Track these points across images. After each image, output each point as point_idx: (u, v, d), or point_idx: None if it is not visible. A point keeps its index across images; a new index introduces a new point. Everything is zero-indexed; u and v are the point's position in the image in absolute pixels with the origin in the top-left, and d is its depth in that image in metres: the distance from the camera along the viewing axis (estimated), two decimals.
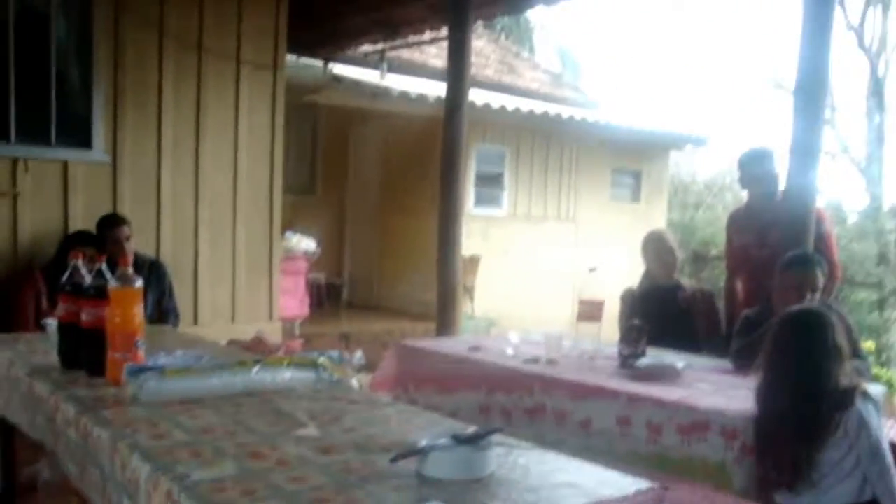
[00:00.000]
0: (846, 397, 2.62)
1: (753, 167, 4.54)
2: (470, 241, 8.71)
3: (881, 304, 16.71)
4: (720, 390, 3.17)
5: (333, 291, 10.64)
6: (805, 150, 4.26)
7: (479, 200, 10.59)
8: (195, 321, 6.07)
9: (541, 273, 10.70)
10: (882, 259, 17.08)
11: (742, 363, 3.55)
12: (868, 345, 13.74)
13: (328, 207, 11.03)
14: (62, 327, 2.47)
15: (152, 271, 5.22)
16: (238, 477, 1.55)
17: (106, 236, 4.90)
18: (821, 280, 3.58)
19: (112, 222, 5.04)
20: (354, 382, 2.41)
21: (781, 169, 4.47)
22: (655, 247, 4.76)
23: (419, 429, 1.89)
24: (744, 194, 4.80)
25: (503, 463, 1.68)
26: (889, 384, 10.41)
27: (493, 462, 1.64)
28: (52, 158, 5.47)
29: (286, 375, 2.28)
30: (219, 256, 6.27)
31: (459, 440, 1.66)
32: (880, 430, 2.66)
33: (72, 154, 5.55)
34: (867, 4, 18.21)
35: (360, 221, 11.21)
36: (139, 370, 2.12)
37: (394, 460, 1.61)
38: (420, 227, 9.43)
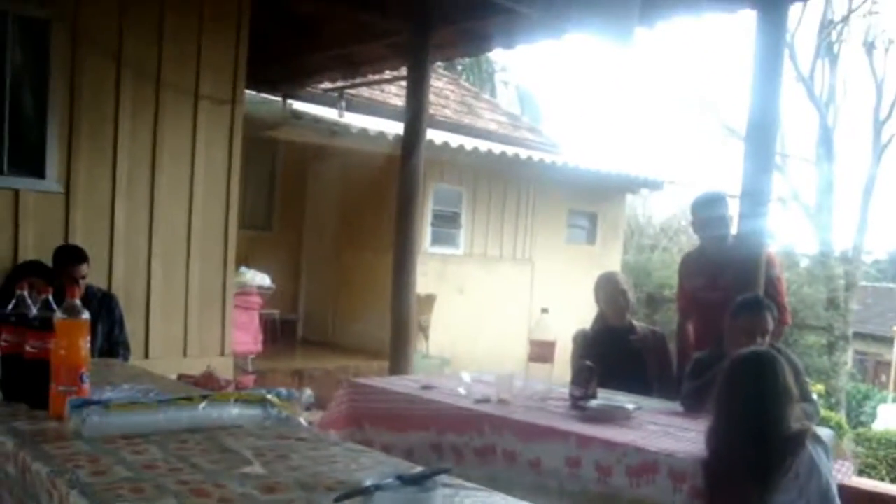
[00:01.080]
0: (797, 440, 2.64)
1: (706, 211, 4.59)
2: (425, 279, 8.71)
3: (830, 348, 16.98)
4: (670, 432, 3.18)
5: (288, 328, 10.57)
6: (756, 195, 4.34)
7: (436, 240, 10.62)
8: (146, 355, 5.98)
9: (496, 313, 10.73)
10: (831, 304, 17.39)
11: (693, 405, 3.58)
12: (818, 388, 13.94)
13: (284, 243, 10.99)
14: (4, 358, 2.41)
15: (103, 303, 5.15)
16: None
17: (62, 271, 4.82)
18: (771, 324, 3.62)
19: (73, 258, 4.94)
20: (303, 420, 2.39)
21: (733, 213, 4.54)
22: (608, 289, 4.79)
23: (365, 468, 1.88)
24: (697, 238, 4.85)
25: None
26: (838, 427, 10.55)
27: (440, 503, 1.63)
28: (3, 186, 5.40)
29: (233, 412, 2.24)
30: (172, 290, 6.20)
31: (405, 480, 1.65)
32: (830, 474, 2.69)
33: (23, 183, 5.49)
34: (816, 56, 18.67)
35: (316, 258, 11.17)
36: (83, 404, 2.08)
37: (338, 500, 1.59)
38: (376, 264, 9.42)
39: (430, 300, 9.74)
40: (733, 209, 4.56)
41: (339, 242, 10.79)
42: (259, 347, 8.23)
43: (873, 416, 16.37)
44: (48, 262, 4.96)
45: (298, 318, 11.18)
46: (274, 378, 7.52)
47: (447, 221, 10.83)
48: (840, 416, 13.42)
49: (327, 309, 10.92)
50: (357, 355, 9.67)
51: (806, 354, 15.55)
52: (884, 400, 18.25)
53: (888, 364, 21.61)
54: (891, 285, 26.75)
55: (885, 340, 21.87)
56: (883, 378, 21.78)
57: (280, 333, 10.05)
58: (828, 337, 17.24)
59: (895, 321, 21.76)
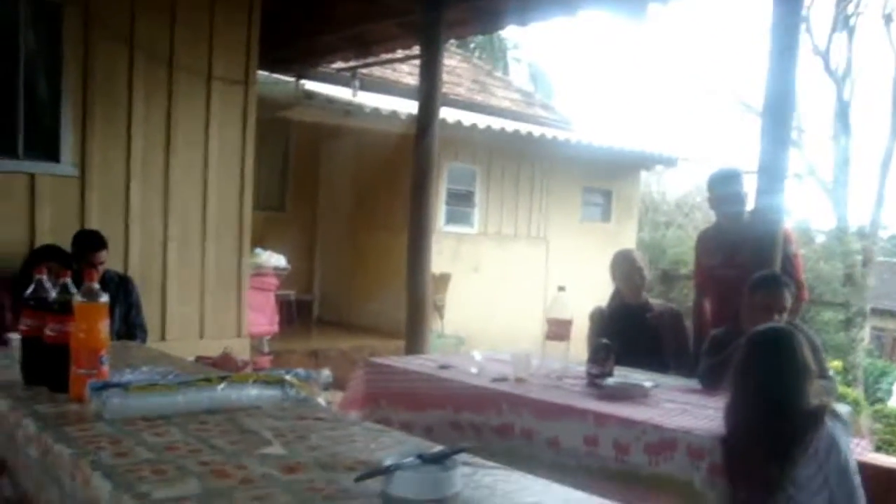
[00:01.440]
0: (816, 416, 2.63)
1: (722, 188, 4.56)
2: (440, 258, 8.72)
3: (847, 324, 16.90)
4: (688, 410, 3.18)
5: (303, 308, 10.60)
6: (772, 171, 4.31)
7: (450, 218, 10.61)
8: (163, 337, 6.02)
9: (511, 291, 10.72)
10: (848, 279, 17.30)
11: (710, 382, 3.58)
12: (835, 364, 13.91)
13: (299, 224, 11.00)
14: (25, 342, 2.43)
15: (120, 286, 5.17)
16: (201, 496, 1.53)
17: (82, 256, 4.84)
18: (788, 300, 3.61)
19: (92, 245, 4.94)
20: (321, 400, 2.40)
21: (750, 190, 4.51)
22: (624, 266, 4.77)
23: (385, 448, 1.88)
24: (713, 214, 4.83)
25: (469, 482, 1.67)
26: (856, 403, 10.53)
27: (459, 482, 1.63)
28: (19, 171, 5.43)
29: (252, 393, 2.25)
30: (187, 272, 6.23)
31: (425, 459, 1.65)
32: (849, 450, 2.68)
33: (39, 167, 5.51)
34: (833, 29, 18.48)
35: (330, 238, 11.18)
36: (103, 386, 2.09)
37: (359, 479, 1.59)
38: (391, 244, 9.41)
39: (444, 279, 9.75)
40: (750, 185, 4.53)
41: (354, 222, 10.79)
42: (275, 328, 8.25)
43: (890, 392, 16.32)
44: (65, 245, 4.98)
45: (314, 299, 11.20)
46: (290, 359, 7.55)
47: (461, 200, 10.82)
48: (857, 393, 13.39)
49: (342, 289, 10.94)
50: (373, 335, 9.69)
51: (823, 331, 15.51)
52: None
53: None
54: None
55: None
56: None
57: (296, 314, 10.09)
58: (845, 313, 17.15)
59: None
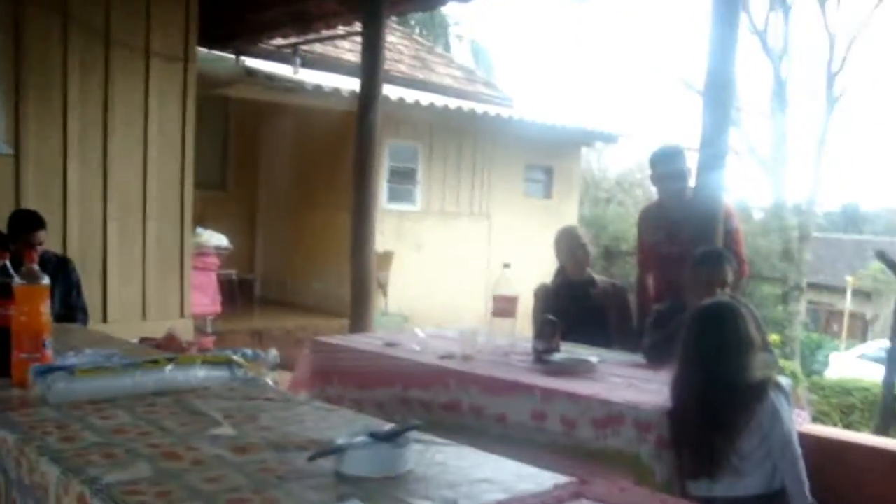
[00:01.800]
0: (760, 388, 2.69)
1: (664, 165, 4.61)
2: (383, 236, 8.69)
3: (785, 298, 17.28)
4: (633, 384, 3.22)
5: (246, 288, 10.51)
6: (713, 149, 4.35)
7: (393, 196, 10.59)
8: (104, 319, 5.93)
9: (454, 269, 10.75)
10: (786, 255, 17.67)
11: (655, 357, 3.62)
12: (773, 338, 14.21)
13: (240, 203, 10.89)
14: None
15: (59, 268, 5.06)
16: (153, 479, 1.51)
17: (19, 236, 4.71)
18: (730, 275, 3.67)
19: (30, 226, 4.80)
20: (269, 380, 2.38)
21: (692, 167, 4.56)
22: (568, 242, 4.80)
23: (335, 426, 1.88)
24: (654, 191, 4.87)
25: (421, 459, 1.67)
26: (793, 375, 10.77)
27: (412, 459, 1.64)
28: None
29: (200, 374, 2.23)
30: (128, 252, 6.14)
31: (377, 437, 1.66)
32: (791, 421, 2.74)
33: None
34: (770, 8, 18.75)
35: (272, 217, 11.09)
36: (47, 370, 2.05)
37: (312, 459, 1.59)
38: (334, 222, 9.37)
39: (388, 257, 9.73)
40: (692, 162, 4.58)
41: (296, 200, 10.70)
42: (217, 308, 8.18)
43: (825, 364, 16.74)
44: (0, 226, 4.87)
45: (256, 278, 11.12)
46: (234, 339, 7.48)
47: (404, 178, 10.79)
48: (794, 365, 13.72)
49: (285, 268, 10.87)
50: (316, 314, 9.65)
51: (761, 305, 15.81)
52: (836, 349, 18.66)
53: (840, 313, 22.06)
54: (842, 236, 27.21)
55: (838, 290, 22.29)
56: (835, 327, 22.24)
57: (238, 294, 9.99)
58: (782, 288, 17.53)
59: (847, 271, 22.16)
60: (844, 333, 20.94)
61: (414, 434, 1.74)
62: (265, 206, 11.24)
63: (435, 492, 1.52)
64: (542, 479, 1.60)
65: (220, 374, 2.28)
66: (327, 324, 8.85)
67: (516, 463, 1.71)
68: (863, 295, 21.74)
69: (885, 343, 14.08)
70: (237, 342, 7.07)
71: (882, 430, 7.77)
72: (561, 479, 1.59)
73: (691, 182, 4.52)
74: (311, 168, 10.40)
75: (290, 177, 10.76)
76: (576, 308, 4.43)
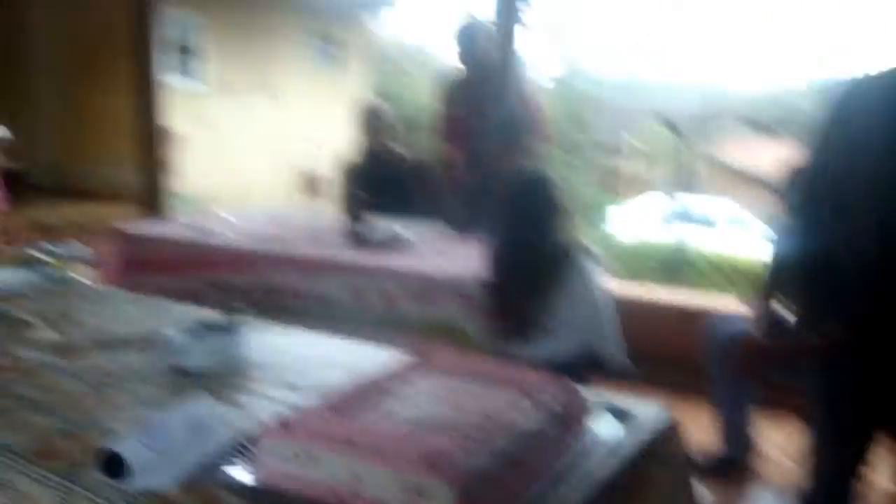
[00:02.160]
0: (570, 252, 2.78)
1: (468, 42, 4.61)
2: (171, 117, 8.33)
3: (573, 163, 17.98)
4: (447, 256, 3.28)
5: (28, 180, 9.84)
6: (507, 21, 4.39)
7: (177, 74, 10.10)
8: None
9: (248, 147, 10.48)
10: (575, 121, 18.31)
11: (465, 228, 3.69)
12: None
13: (12, 90, 10.10)
14: None
15: None
16: None
17: None
18: (534, 145, 3.75)
19: None
20: (80, 277, 2.27)
21: (492, 41, 4.57)
22: (372, 119, 4.76)
23: (161, 319, 1.82)
24: (449, 63, 4.87)
25: (260, 347, 1.65)
26: (598, 241, 11.29)
27: (249, 345, 1.62)
28: None
29: (5, 277, 2.10)
30: None
31: (210, 328, 1.62)
32: (602, 284, 2.87)
33: None
34: None
35: (50, 103, 10.36)
36: None
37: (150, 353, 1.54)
38: (116, 105, 8.84)
39: (177, 138, 9.34)
40: (492, 36, 4.58)
41: (74, 84, 10.02)
42: (3, 206, 7.63)
43: (607, 221, 17.64)
44: None
45: (40, 169, 10.43)
46: (26, 236, 7.03)
47: (188, 54, 10.30)
48: (593, 231, 14.36)
49: (69, 157, 10.23)
50: (107, 201, 9.17)
51: (551, 168, 16.38)
52: (616, 205, 19.64)
53: (619, 173, 23.14)
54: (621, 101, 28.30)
55: (617, 150, 23.32)
56: (616, 186, 23.33)
57: (21, 186, 9.33)
58: (571, 152, 18.22)
59: (626, 131, 23.18)
60: (622, 190, 21.96)
61: (248, 321, 1.72)
62: (43, 92, 10.47)
63: (276, 377, 1.51)
64: (387, 357, 1.61)
65: (25, 275, 2.15)
66: (122, 211, 8.40)
67: (358, 344, 1.72)
68: (640, 155, 22.93)
69: (659, 195, 15.00)
70: (28, 239, 6.66)
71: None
72: (404, 356, 1.61)
73: (493, 56, 4.54)
74: (89, 48, 9.70)
75: (64, 56, 10.02)
76: (384, 183, 4.42)
